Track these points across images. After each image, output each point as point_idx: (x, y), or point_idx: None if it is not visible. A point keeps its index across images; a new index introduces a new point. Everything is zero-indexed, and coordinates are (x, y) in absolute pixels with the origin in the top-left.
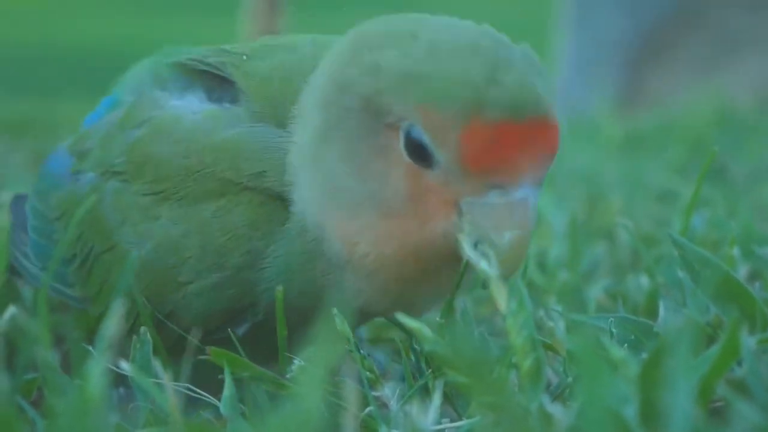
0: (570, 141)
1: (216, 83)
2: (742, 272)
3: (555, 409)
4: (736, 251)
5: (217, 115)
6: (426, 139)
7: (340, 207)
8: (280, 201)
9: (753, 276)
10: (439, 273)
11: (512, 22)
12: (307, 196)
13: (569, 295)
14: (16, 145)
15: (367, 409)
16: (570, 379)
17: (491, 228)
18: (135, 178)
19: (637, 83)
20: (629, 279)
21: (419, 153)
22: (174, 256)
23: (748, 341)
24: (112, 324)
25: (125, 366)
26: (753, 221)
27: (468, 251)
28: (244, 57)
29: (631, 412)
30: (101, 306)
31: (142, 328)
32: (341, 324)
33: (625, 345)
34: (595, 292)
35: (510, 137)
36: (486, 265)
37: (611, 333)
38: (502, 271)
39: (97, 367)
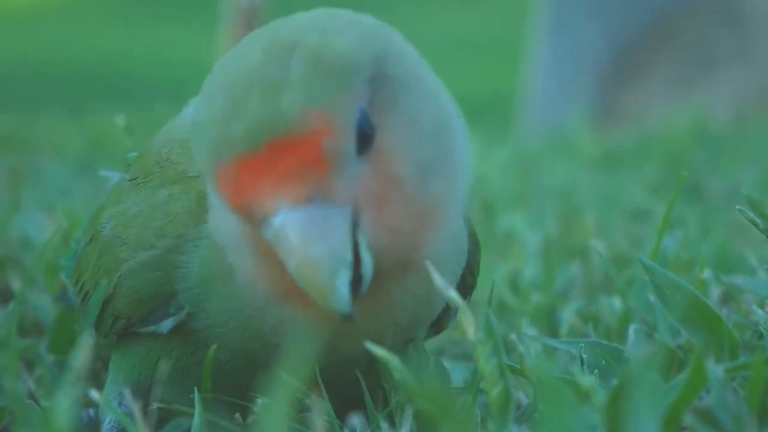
0: (546, 157)
1: None
2: (714, 295)
3: None
4: (707, 274)
5: None
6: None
7: (235, 249)
8: None
9: (725, 299)
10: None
11: (490, 34)
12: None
13: (542, 318)
14: None
15: None
16: (539, 405)
17: (283, 259)
18: (132, 168)
19: (614, 98)
20: (602, 301)
21: None
22: (123, 233)
23: (716, 369)
24: (81, 355)
25: (95, 395)
26: (727, 241)
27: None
28: None
29: None
30: (77, 289)
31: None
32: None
33: (596, 371)
34: (568, 314)
35: (248, 171)
36: (452, 293)
37: (581, 358)
38: (315, 299)
39: (65, 400)
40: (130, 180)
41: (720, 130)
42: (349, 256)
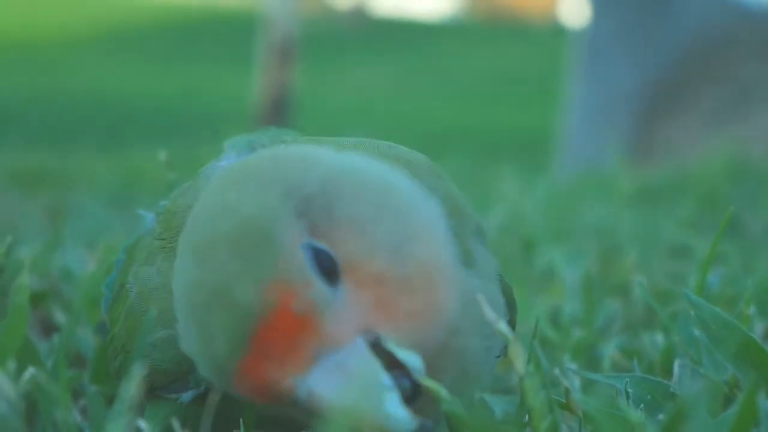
0: (582, 193)
1: None
2: (758, 330)
3: None
4: (752, 310)
5: None
6: None
7: None
8: None
9: None
10: None
11: (529, 70)
12: None
13: (583, 353)
14: (31, 197)
15: None
16: None
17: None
18: (160, 223)
19: (649, 134)
20: (644, 337)
21: None
22: (146, 303)
23: (765, 404)
24: (133, 384)
25: (143, 425)
26: None
27: None
28: (282, 143)
29: None
30: (109, 347)
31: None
32: None
33: (641, 405)
34: (610, 350)
35: (251, 370)
36: (503, 326)
37: (627, 393)
38: None
39: (117, 428)
40: (158, 238)
41: (757, 165)
42: (384, 378)
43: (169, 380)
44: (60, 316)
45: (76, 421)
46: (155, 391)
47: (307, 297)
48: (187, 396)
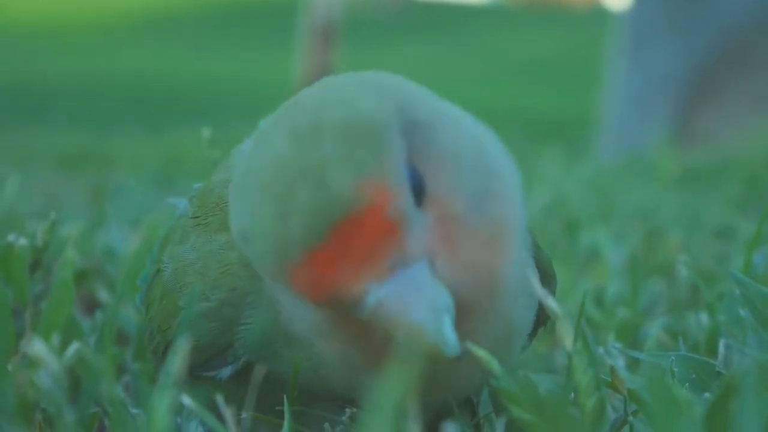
0: (625, 176)
1: None
2: None
3: None
4: None
5: None
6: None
7: (317, 330)
8: None
9: None
10: None
11: (567, 54)
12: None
13: (628, 333)
14: (74, 179)
15: None
16: (630, 418)
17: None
18: (194, 203)
19: (691, 118)
20: (689, 317)
21: None
22: (182, 279)
23: None
24: (178, 358)
25: (187, 401)
26: None
27: None
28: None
29: None
30: (148, 328)
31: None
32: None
33: (687, 384)
34: (654, 330)
35: (321, 262)
36: (553, 303)
37: (672, 372)
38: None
39: (162, 403)
40: (192, 217)
41: None
42: (446, 300)
43: (207, 356)
44: (103, 294)
45: (120, 397)
46: (193, 371)
47: (399, 206)
48: (226, 371)
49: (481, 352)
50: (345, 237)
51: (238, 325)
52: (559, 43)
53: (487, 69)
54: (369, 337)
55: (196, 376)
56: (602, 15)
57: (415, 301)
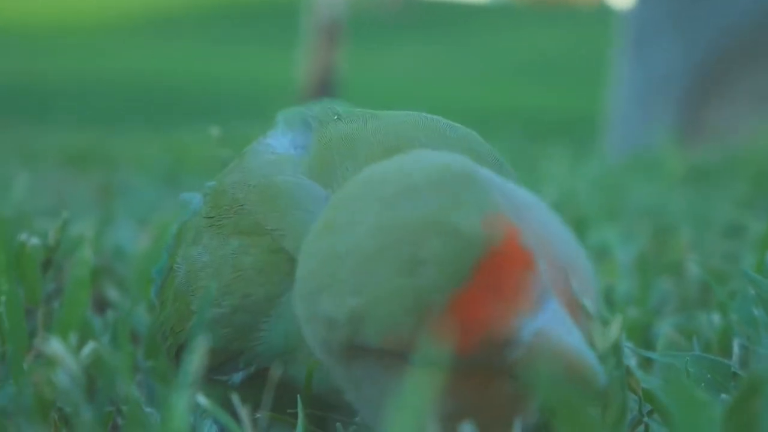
0: (632, 173)
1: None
2: None
3: None
4: None
5: (286, 160)
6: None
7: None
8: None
9: None
10: None
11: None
12: None
13: (638, 332)
14: (80, 178)
15: None
16: (646, 418)
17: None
18: (207, 202)
19: (697, 116)
20: (699, 316)
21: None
22: (195, 283)
23: None
24: (196, 359)
25: (203, 400)
26: None
27: None
28: (335, 117)
29: None
30: (161, 327)
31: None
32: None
33: (702, 385)
34: (665, 329)
35: (470, 304)
36: (588, 303)
37: (687, 372)
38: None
39: (180, 402)
40: (205, 217)
41: None
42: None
43: (219, 361)
44: (113, 293)
45: (136, 396)
46: (206, 373)
47: (525, 237)
48: (237, 377)
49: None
50: (490, 274)
51: (255, 331)
52: (562, 41)
53: (490, 68)
54: (490, 400)
55: (209, 378)
56: (606, 13)
57: (568, 329)
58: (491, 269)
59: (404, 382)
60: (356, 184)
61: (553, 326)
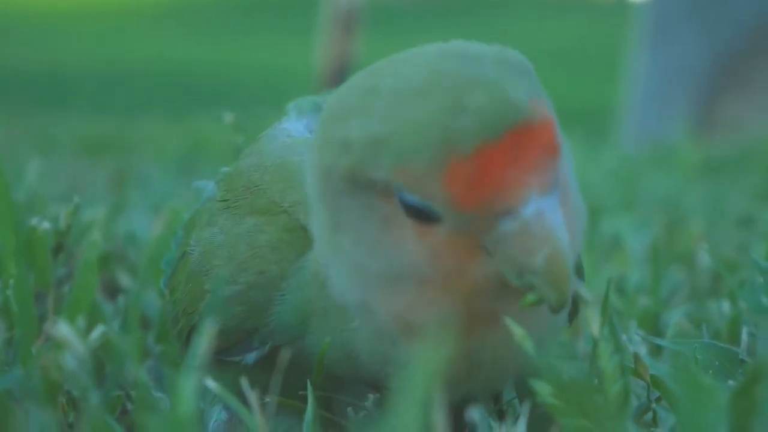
0: (647, 165)
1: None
2: None
3: None
4: None
5: (301, 142)
6: (415, 199)
7: (378, 291)
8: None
9: None
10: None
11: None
12: (339, 284)
13: (649, 321)
14: (97, 164)
15: None
16: (654, 405)
17: (522, 255)
18: (222, 186)
19: (713, 108)
20: (710, 305)
21: (418, 214)
22: (209, 262)
23: None
24: (205, 341)
25: (211, 384)
26: None
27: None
28: None
29: None
30: (172, 311)
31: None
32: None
33: (710, 371)
34: (676, 317)
35: (492, 160)
36: (583, 291)
37: (696, 359)
38: (553, 294)
39: (188, 385)
40: (220, 200)
41: None
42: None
43: (233, 341)
44: (125, 279)
45: (145, 380)
46: (217, 355)
47: (546, 139)
48: (250, 357)
49: (518, 330)
50: (519, 141)
51: (269, 307)
52: (581, 33)
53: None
54: (466, 279)
55: (220, 360)
56: (625, 6)
57: (561, 225)
58: (521, 139)
59: (415, 348)
60: (408, 51)
61: (552, 215)
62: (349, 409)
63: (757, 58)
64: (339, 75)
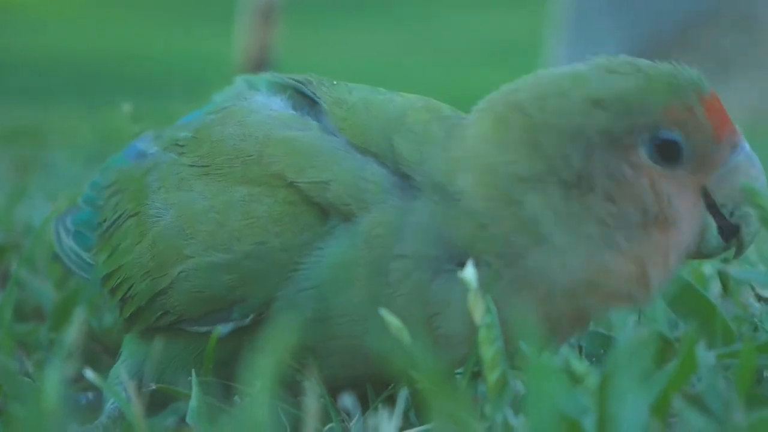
0: None
1: (304, 102)
2: (715, 290)
3: (518, 422)
4: (706, 268)
5: (292, 118)
6: (676, 134)
7: (626, 241)
8: (319, 210)
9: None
10: None
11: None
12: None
13: None
14: (4, 152)
15: (328, 426)
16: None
17: (752, 179)
18: (190, 152)
19: None
20: None
21: (668, 154)
22: (190, 227)
23: (707, 356)
24: (73, 331)
25: (90, 374)
26: None
27: (715, 241)
28: (334, 82)
29: (589, 422)
30: (106, 270)
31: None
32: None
33: (594, 359)
34: None
35: (719, 104)
36: (470, 273)
37: (580, 347)
38: (763, 223)
39: (55, 373)
40: (190, 165)
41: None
42: None
43: (209, 310)
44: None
45: (28, 373)
46: (180, 324)
47: None
48: (226, 328)
49: (393, 321)
50: (716, 100)
51: (267, 281)
52: (500, 25)
53: (436, 51)
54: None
55: (182, 330)
56: None
57: (760, 169)
58: (714, 100)
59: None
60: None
61: (755, 158)
62: (237, 397)
63: (674, 53)
64: (259, 65)
